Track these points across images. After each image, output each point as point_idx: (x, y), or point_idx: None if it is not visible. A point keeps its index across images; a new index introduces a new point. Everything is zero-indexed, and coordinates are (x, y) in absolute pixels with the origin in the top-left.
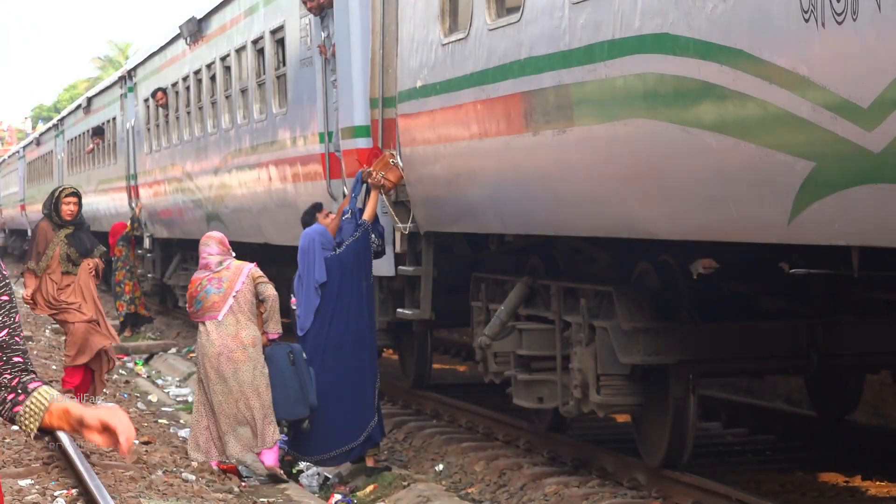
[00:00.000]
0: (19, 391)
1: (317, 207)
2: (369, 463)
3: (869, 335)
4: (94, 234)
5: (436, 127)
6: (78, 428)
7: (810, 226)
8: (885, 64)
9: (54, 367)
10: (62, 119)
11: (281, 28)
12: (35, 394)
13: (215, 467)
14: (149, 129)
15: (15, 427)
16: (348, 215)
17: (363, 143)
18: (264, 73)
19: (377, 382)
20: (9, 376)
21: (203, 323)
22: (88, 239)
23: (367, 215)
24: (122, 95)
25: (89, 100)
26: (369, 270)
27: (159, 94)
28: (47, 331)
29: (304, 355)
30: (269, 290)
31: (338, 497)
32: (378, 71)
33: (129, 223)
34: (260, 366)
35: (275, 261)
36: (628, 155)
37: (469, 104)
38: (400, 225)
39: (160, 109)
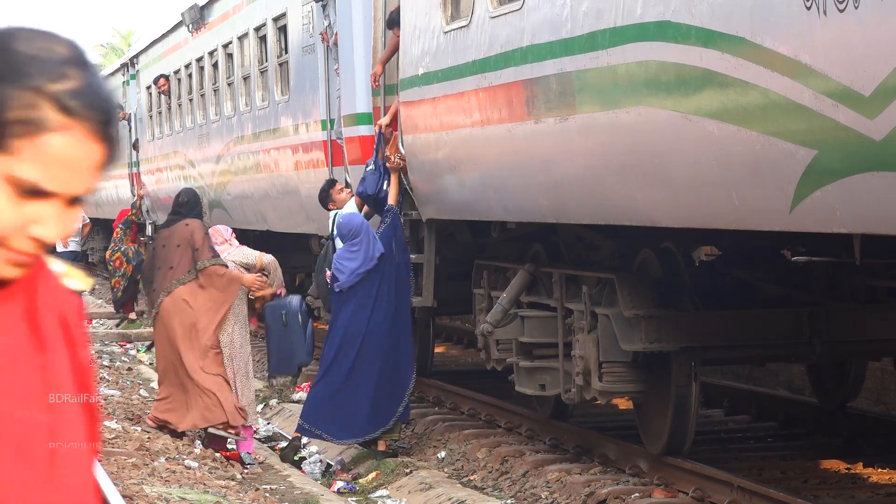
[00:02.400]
0: None
1: (331, 183)
2: (381, 447)
3: (871, 323)
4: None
5: (438, 114)
6: None
7: (812, 213)
8: (887, 51)
9: None
10: None
11: (283, 15)
12: None
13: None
14: (151, 117)
15: None
16: (371, 167)
17: (365, 130)
18: (266, 61)
19: (413, 379)
20: None
21: None
22: None
23: (391, 199)
24: (124, 83)
25: None
26: (405, 258)
27: (161, 81)
28: None
29: (301, 313)
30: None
31: (340, 484)
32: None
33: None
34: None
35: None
36: (630, 142)
37: (471, 92)
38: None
39: (162, 97)
